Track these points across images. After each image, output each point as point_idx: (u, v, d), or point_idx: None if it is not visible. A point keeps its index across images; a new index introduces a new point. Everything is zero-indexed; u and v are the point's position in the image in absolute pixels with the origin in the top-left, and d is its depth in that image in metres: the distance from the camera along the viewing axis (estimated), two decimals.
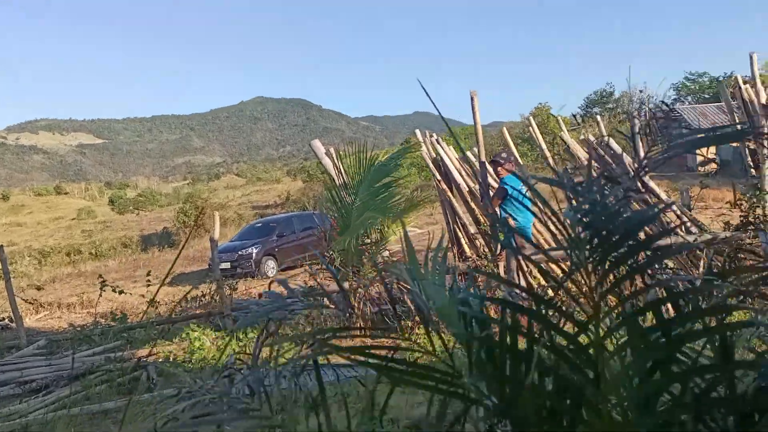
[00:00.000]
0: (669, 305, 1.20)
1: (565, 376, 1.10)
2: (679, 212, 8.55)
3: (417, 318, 7.07)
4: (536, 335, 1.13)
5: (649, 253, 1.12)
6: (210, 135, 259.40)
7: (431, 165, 9.48)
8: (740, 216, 8.83)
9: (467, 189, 9.00)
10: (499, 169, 7.01)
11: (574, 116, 46.54)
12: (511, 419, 1.11)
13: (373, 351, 1.22)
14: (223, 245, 17.26)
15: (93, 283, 13.50)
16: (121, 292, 9.87)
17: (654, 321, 1.10)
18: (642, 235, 1.12)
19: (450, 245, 9.64)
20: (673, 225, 7.47)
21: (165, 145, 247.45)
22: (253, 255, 17.00)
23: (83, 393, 5.87)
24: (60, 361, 7.36)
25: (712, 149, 27.75)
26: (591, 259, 1.12)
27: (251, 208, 46.67)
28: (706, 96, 42.88)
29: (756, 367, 1.05)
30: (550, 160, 8.87)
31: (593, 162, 8.73)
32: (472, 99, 7.08)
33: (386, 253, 8.41)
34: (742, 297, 1.33)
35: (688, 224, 8.46)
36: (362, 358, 1.22)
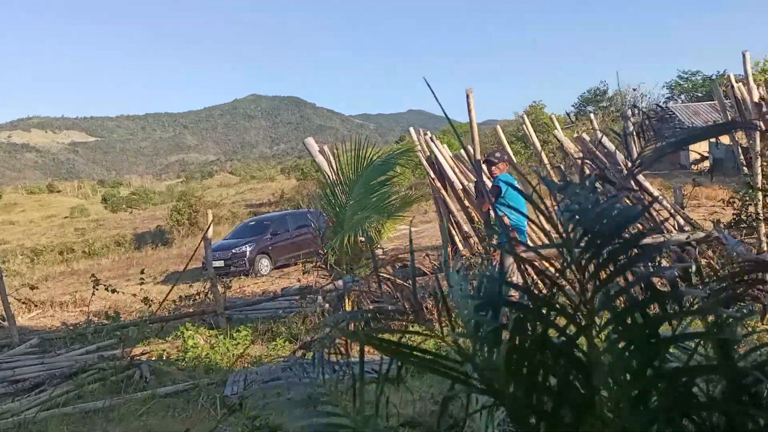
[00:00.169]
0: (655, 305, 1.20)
1: (566, 375, 1.10)
2: (672, 210, 8.59)
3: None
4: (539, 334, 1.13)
5: (636, 250, 1.13)
6: (204, 133, 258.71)
7: (425, 163, 9.50)
8: (733, 214, 8.88)
9: (461, 187, 9.02)
10: (493, 168, 7.03)
11: (568, 114, 46.69)
12: (512, 415, 1.11)
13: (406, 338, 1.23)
14: (217, 243, 17.21)
15: (86, 281, 13.46)
16: (113, 291, 9.84)
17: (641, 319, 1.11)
18: (631, 234, 1.12)
19: (443, 243, 9.66)
20: (662, 222, 7.51)
21: (158, 143, 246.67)
22: (247, 253, 16.97)
23: (76, 391, 5.86)
24: (53, 359, 7.33)
25: (705, 147, 27.87)
26: (581, 257, 1.13)
27: (245, 206, 46.62)
28: (699, 94, 43.06)
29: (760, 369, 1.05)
30: (544, 158, 8.89)
31: (587, 160, 8.76)
32: (467, 96, 7.08)
33: (380, 252, 8.42)
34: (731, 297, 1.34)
35: (681, 222, 8.50)
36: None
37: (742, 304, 1.42)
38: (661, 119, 29.80)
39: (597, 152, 8.95)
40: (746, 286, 1.41)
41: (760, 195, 7.88)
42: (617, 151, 9.15)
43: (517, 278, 1.53)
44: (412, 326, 1.43)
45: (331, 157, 8.50)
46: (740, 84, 9.06)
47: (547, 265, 1.22)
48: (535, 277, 1.33)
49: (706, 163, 23.47)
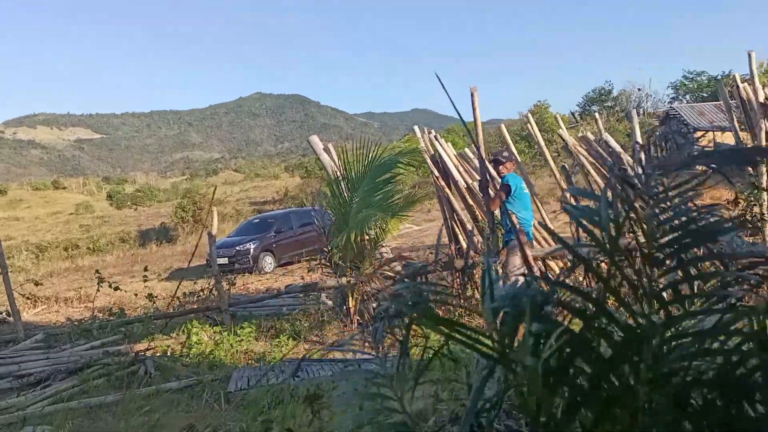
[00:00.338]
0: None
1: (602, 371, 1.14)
2: None
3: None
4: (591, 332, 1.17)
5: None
6: (208, 131, 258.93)
7: (429, 162, 9.50)
8: (738, 214, 8.86)
9: (465, 186, 9.02)
10: (501, 167, 7.05)
11: (573, 114, 46.62)
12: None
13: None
14: (221, 241, 17.26)
15: (91, 277, 13.51)
16: (116, 288, 9.88)
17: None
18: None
19: (448, 242, 9.67)
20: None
21: (163, 141, 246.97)
22: (251, 251, 17.01)
23: (81, 387, 5.89)
24: (58, 354, 7.37)
25: (710, 147, 27.76)
26: (659, 257, 1.17)
27: (249, 204, 46.66)
28: (704, 95, 42.92)
29: None
30: (548, 158, 8.89)
31: (591, 159, 8.76)
32: (472, 95, 7.08)
33: (385, 250, 8.43)
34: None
35: None
36: None
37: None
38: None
39: (602, 152, 8.94)
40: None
41: (765, 195, 7.87)
42: (622, 152, 9.14)
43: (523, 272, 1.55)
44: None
45: (335, 156, 8.51)
46: (746, 84, 9.04)
47: (558, 262, 1.24)
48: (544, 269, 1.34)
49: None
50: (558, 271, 7.45)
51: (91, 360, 6.65)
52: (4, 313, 11.63)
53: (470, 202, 8.93)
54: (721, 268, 1.35)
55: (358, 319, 7.45)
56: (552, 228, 8.18)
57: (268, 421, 3.93)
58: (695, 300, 1.26)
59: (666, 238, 1.22)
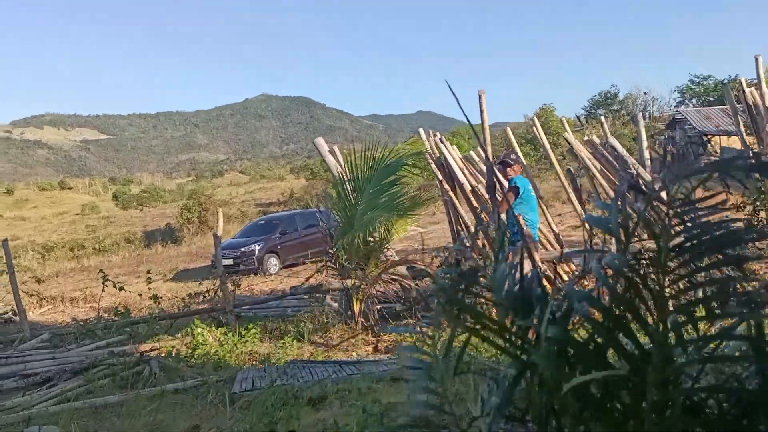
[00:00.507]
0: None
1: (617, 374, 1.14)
2: None
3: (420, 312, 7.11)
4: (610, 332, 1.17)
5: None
6: (214, 132, 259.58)
7: (433, 165, 9.49)
8: (744, 219, 8.82)
9: (470, 188, 9.01)
10: (508, 169, 7.05)
11: (578, 117, 46.52)
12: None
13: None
14: (226, 242, 17.29)
15: (96, 278, 13.56)
16: (121, 288, 9.91)
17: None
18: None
19: (452, 244, 9.66)
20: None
21: (169, 142, 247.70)
22: (256, 252, 17.03)
23: (86, 386, 5.91)
24: (63, 354, 7.41)
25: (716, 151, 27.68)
26: (675, 262, 1.20)
27: (254, 206, 46.76)
28: (711, 99, 42.77)
29: None
30: (554, 161, 8.87)
31: (597, 163, 8.74)
32: (479, 98, 7.08)
33: (390, 253, 8.43)
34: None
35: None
36: None
37: None
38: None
39: (608, 155, 8.91)
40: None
41: None
42: (628, 155, 9.11)
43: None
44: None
45: (341, 158, 8.52)
46: (752, 89, 9.02)
47: (564, 267, 1.25)
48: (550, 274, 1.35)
49: None
50: (565, 276, 7.44)
51: (97, 360, 6.67)
52: (10, 313, 11.70)
53: (475, 204, 8.92)
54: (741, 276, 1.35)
55: (362, 321, 7.45)
56: (557, 231, 8.17)
57: (272, 422, 3.94)
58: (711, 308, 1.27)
59: (677, 241, 1.22)
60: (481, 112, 6.98)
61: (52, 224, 52.61)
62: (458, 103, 1.47)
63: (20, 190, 75.72)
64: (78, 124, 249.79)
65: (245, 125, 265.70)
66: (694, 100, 46.32)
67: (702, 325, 1.25)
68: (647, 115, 42.41)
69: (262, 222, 19.99)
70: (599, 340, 1.20)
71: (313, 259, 14.85)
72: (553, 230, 8.08)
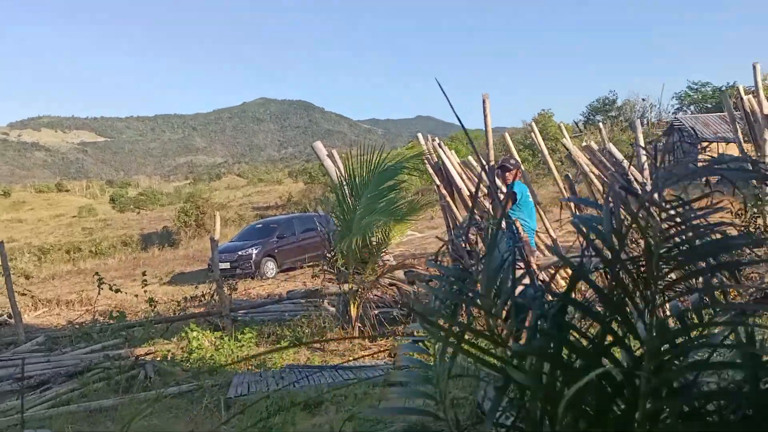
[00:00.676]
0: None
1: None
2: None
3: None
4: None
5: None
6: (212, 135, 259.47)
7: (431, 170, 9.48)
8: (742, 226, 8.82)
9: (468, 194, 8.99)
10: (507, 174, 7.03)
11: (576, 123, 46.59)
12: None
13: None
14: (223, 245, 17.25)
15: (92, 281, 13.50)
16: (117, 291, 9.88)
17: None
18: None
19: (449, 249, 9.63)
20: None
21: (167, 145, 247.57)
22: (253, 256, 17.00)
23: (81, 390, 5.88)
24: (58, 357, 7.37)
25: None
26: (662, 269, 1.16)
27: (252, 209, 46.69)
28: (709, 106, 42.87)
29: None
30: (552, 166, 8.86)
31: (595, 169, 8.74)
32: (483, 102, 7.07)
33: (388, 257, 8.41)
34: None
35: None
36: None
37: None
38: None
39: (606, 161, 8.91)
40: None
41: None
42: (625, 161, 9.10)
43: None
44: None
45: (340, 162, 8.51)
46: (750, 96, 9.02)
47: (561, 272, 1.24)
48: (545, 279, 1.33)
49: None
50: (562, 281, 7.42)
51: (92, 363, 6.64)
52: (5, 316, 11.64)
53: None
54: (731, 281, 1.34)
55: (359, 326, 7.43)
56: (555, 237, 8.16)
57: (268, 427, 3.92)
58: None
59: (667, 247, 1.21)
60: (485, 116, 6.97)
61: (49, 226, 52.45)
62: (450, 104, 1.46)
63: (17, 192, 75.52)
64: (75, 126, 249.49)
65: (243, 128, 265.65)
66: (692, 107, 46.44)
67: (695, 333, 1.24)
68: (645, 122, 42.50)
69: (260, 226, 19.97)
70: (591, 347, 1.18)
71: (311, 263, 14.82)
72: (550, 236, 8.07)
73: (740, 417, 1.14)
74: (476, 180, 9.07)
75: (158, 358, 7.06)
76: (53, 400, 5.65)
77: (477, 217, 7.71)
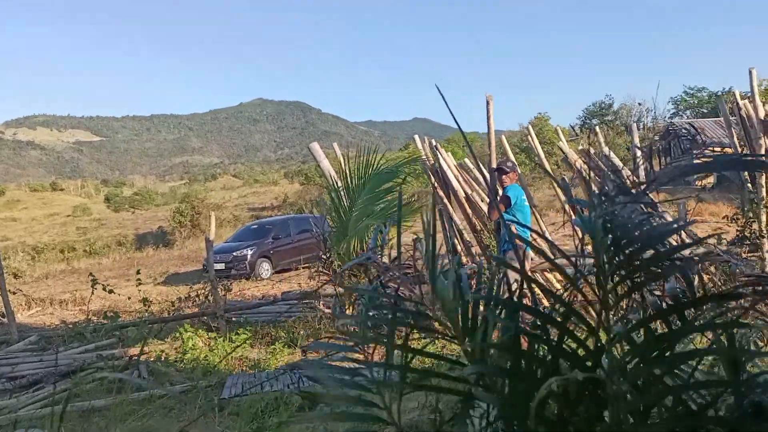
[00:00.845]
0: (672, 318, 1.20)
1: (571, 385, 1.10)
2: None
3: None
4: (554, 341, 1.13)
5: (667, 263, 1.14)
6: (208, 135, 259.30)
7: (428, 171, 9.49)
8: (737, 231, 8.86)
9: (464, 196, 9.00)
10: (504, 177, 7.02)
11: (572, 127, 46.72)
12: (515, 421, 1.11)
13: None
14: (218, 246, 17.21)
15: (86, 280, 13.46)
16: (110, 291, 9.83)
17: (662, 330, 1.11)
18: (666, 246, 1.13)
19: (445, 252, 9.64)
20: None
21: (163, 145, 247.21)
22: (248, 257, 16.97)
23: (74, 390, 5.84)
24: (51, 357, 7.32)
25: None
26: (609, 266, 1.12)
27: (247, 210, 46.63)
28: (705, 110, 43.03)
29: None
30: (548, 170, 8.88)
31: (592, 173, 8.76)
32: (487, 104, 7.08)
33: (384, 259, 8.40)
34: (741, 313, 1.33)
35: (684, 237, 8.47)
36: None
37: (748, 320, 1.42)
38: (666, 135, 29.75)
39: (602, 165, 8.93)
40: (752, 302, 1.40)
41: (764, 212, 7.86)
42: (623, 165, 9.14)
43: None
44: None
45: (341, 159, 8.50)
46: (746, 101, 9.05)
47: (556, 275, 1.22)
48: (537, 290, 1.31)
49: (710, 179, 23.44)
50: (557, 285, 7.42)
51: (85, 363, 6.61)
52: None
53: (469, 212, 8.91)
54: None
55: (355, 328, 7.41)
56: (552, 240, 8.16)
57: (261, 428, 3.90)
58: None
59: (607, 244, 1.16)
60: (488, 118, 6.97)
61: (43, 226, 52.28)
62: (449, 109, 1.45)
63: (11, 190, 75.25)
64: (71, 125, 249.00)
65: (240, 129, 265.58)
66: (688, 112, 46.60)
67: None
68: (641, 126, 42.65)
69: (255, 226, 19.94)
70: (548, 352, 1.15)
71: (306, 265, 14.80)
72: (546, 239, 8.06)
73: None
74: (472, 182, 9.08)
75: (152, 359, 7.03)
76: (46, 399, 5.61)
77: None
